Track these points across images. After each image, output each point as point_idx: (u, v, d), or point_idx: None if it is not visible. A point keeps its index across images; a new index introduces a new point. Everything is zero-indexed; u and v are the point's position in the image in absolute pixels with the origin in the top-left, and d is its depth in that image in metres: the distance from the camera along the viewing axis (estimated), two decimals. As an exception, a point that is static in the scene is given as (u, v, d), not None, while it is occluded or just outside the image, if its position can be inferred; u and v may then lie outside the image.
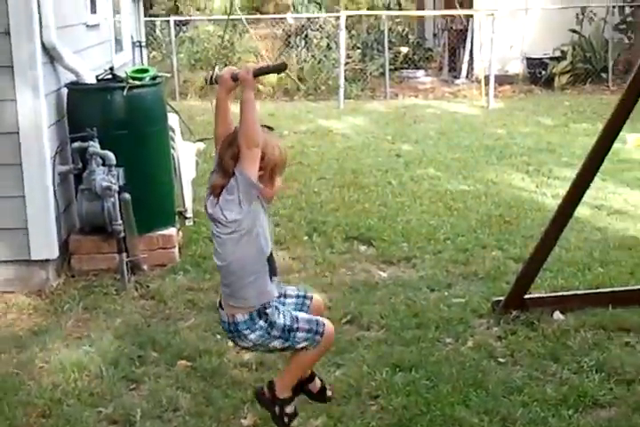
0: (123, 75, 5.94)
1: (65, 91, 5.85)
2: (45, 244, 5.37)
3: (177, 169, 6.47)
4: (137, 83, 5.78)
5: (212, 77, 3.31)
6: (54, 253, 5.41)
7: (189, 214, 6.56)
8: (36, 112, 5.29)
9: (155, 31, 15.37)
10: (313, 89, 14.30)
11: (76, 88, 5.84)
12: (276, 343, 3.33)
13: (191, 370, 4.21)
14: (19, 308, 5.09)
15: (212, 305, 5.04)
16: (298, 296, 3.50)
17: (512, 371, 4.19)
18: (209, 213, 3.22)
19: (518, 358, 4.33)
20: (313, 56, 14.69)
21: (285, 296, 3.45)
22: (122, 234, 5.47)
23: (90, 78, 5.94)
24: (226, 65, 14.53)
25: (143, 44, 10.16)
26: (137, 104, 5.77)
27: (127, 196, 5.52)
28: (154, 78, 6.01)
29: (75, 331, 4.74)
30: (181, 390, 4.02)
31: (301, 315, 3.38)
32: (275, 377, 3.52)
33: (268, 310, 3.26)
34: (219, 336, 4.63)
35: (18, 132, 5.28)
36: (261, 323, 3.26)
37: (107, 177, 5.42)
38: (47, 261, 5.40)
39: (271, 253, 3.30)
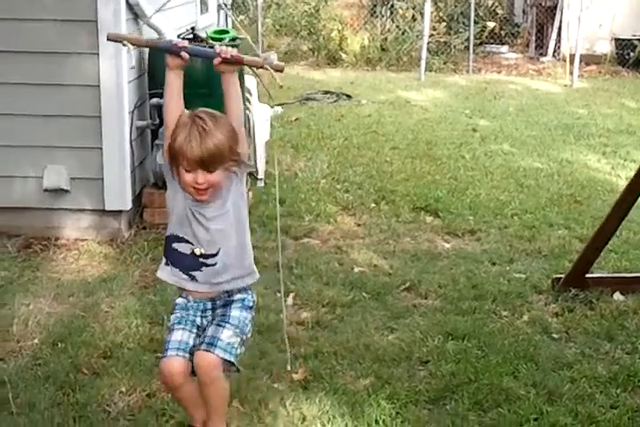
0: (203, 35, 6.05)
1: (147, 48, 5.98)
2: (119, 195, 5.54)
3: (251, 130, 6.56)
4: (216, 43, 5.88)
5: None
6: (127, 204, 5.58)
7: (261, 176, 6.66)
8: (117, 67, 5.43)
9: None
10: (395, 60, 14.23)
11: (155, 45, 5.95)
12: None
13: (249, 324, 4.33)
14: (90, 255, 5.28)
15: (276, 264, 5.17)
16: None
17: (564, 347, 4.21)
18: None
19: (572, 336, 4.34)
20: (397, 26, 14.59)
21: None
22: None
23: (172, 37, 6.06)
24: (310, 32, 14.59)
25: (228, 6, 10.25)
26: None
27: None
28: (233, 40, 6.10)
29: (141, 280, 4.91)
30: (238, 342, 4.14)
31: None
32: None
33: None
34: (278, 294, 4.74)
35: (99, 86, 5.43)
36: None
37: (177, 134, 5.54)
38: (120, 212, 5.57)
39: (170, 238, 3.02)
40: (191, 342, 2.95)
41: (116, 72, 5.42)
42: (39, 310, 4.42)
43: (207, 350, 2.90)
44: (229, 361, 2.93)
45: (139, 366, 3.85)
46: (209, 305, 3.02)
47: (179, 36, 6.11)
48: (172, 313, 3.05)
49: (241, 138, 2.98)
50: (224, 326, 2.97)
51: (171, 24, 6.17)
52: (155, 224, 5.75)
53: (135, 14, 5.69)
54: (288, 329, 4.28)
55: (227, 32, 6.18)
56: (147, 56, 5.96)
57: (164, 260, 3.07)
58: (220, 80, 5.98)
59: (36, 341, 4.07)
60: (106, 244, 5.46)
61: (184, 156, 2.85)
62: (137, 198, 5.77)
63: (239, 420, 3.47)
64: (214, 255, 2.96)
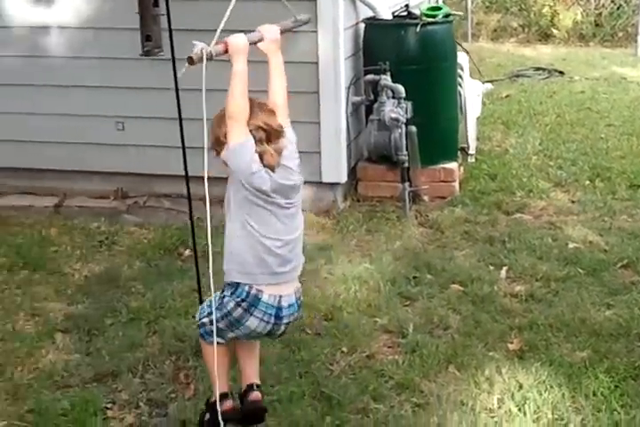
0: (417, 12, 6.13)
1: (362, 26, 6.13)
2: (336, 168, 5.73)
3: (463, 106, 6.58)
4: (430, 20, 5.96)
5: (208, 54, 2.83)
6: (343, 177, 5.77)
7: (472, 151, 6.68)
8: (334, 44, 5.60)
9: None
10: (609, 35, 13.69)
11: (374, 23, 6.09)
12: None
13: (462, 294, 4.41)
14: (308, 225, 5.47)
15: (488, 238, 5.21)
16: None
17: None
18: (288, 184, 2.95)
19: None
20: (612, 1, 14.02)
21: None
22: (406, 164, 5.73)
23: (386, 14, 6.18)
24: (521, 8, 14.30)
25: (439, -17, 10.25)
26: (429, 40, 5.95)
27: (413, 128, 5.75)
28: (446, 16, 6.14)
29: (357, 249, 5.08)
30: (452, 311, 4.23)
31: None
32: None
33: None
34: (492, 267, 4.78)
35: (317, 63, 5.62)
36: None
37: (396, 109, 5.67)
38: (336, 184, 5.77)
39: None
40: None
41: (334, 49, 5.59)
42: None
43: None
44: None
45: (358, 329, 4.02)
46: None
47: (393, 14, 6.23)
48: None
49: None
50: None
51: (384, 1, 6.28)
52: (368, 197, 5.92)
53: (351, -8, 5.85)
54: (503, 301, 4.33)
55: (440, 8, 6.22)
56: (362, 33, 6.11)
57: None
58: (434, 54, 6.08)
59: (261, 302, 4.32)
60: (322, 215, 5.67)
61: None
62: (351, 172, 5.95)
63: (456, 384, 3.56)
64: None
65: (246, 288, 2.97)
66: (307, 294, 4.34)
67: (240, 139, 2.86)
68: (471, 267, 4.77)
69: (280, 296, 3.00)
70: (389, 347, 3.91)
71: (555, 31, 13.71)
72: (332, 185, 5.77)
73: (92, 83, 5.85)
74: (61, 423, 3.36)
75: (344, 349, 3.86)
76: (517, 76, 10.53)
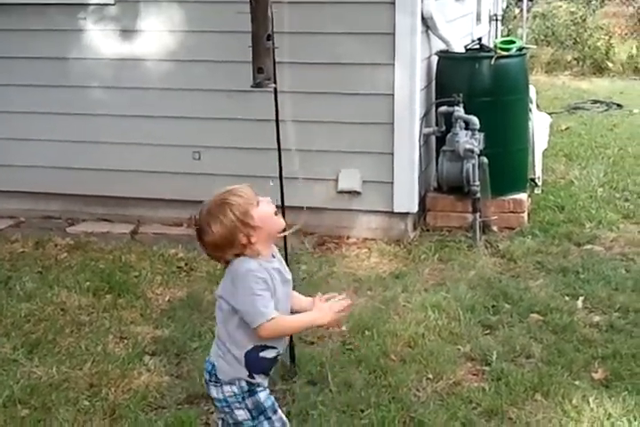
0: (489, 45, 6.23)
1: (435, 58, 6.25)
2: (407, 198, 5.82)
3: (531, 138, 6.65)
4: (504, 53, 6.06)
5: None
6: (414, 207, 5.85)
7: (539, 183, 6.73)
8: (410, 77, 5.72)
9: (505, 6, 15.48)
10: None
11: (446, 56, 6.21)
12: None
13: (542, 324, 4.45)
14: (380, 253, 5.59)
15: (561, 269, 5.25)
16: None
17: None
18: None
19: None
20: (667, 35, 14.08)
21: None
22: (477, 195, 5.80)
23: (458, 47, 6.30)
24: (575, 42, 14.36)
25: (499, 17, 10.38)
26: (503, 73, 6.05)
27: (485, 159, 5.84)
28: (520, 49, 6.24)
29: (431, 278, 5.15)
30: (533, 340, 4.27)
31: None
32: None
33: None
34: (567, 297, 4.82)
35: (393, 94, 5.74)
36: None
37: (470, 140, 5.76)
38: (407, 214, 5.86)
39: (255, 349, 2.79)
40: None
41: (410, 81, 5.71)
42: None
43: None
44: None
45: (442, 356, 4.07)
46: None
47: (465, 47, 6.34)
48: (255, 392, 2.81)
49: None
50: None
51: (457, 35, 6.41)
52: (437, 227, 6.00)
53: (427, 26, 5.98)
54: (583, 331, 4.36)
55: (513, 42, 6.32)
56: (434, 65, 6.22)
57: (244, 373, 2.78)
58: (507, 87, 6.15)
59: (343, 328, 4.40)
60: (393, 244, 5.74)
61: (251, 201, 2.73)
62: (421, 202, 6.04)
63: (544, 412, 3.59)
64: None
65: None
66: (387, 322, 4.46)
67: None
68: (548, 297, 4.81)
69: None
70: (474, 374, 3.96)
71: (609, 64, 13.76)
72: (404, 215, 5.85)
73: (174, 113, 6.02)
74: (159, 443, 3.45)
75: (429, 375, 3.91)
76: (575, 108, 10.60)
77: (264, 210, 2.74)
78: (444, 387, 3.82)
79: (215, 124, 5.99)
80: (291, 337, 3.94)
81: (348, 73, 5.77)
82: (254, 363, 2.78)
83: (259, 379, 2.81)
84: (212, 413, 3.66)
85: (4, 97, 6.33)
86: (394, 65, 5.68)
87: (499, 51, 6.03)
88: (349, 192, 5.88)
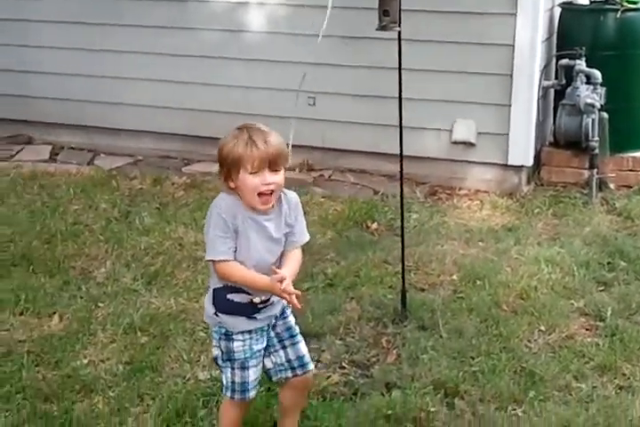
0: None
1: (558, 10, 6.08)
2: (522, 151, 5.74)
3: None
4: (631, 6, 5.86)
5: None
6: (529, 160, 5.77)
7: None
8: (532, 28, 5.58)
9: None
10: None
11: (570, 7, 6.05)
12: None
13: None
14: (492, 206, 5.54)
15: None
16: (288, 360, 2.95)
17: None
18: None
19: None
20: None
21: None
22: (596, 151, 5.67)
23: (583, 0, 6.13)
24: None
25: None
26: (629, 27, 5.86)
27: (605, 115, 5.69)
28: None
29: (544, 232, 5.09)
30: (650, 298, 4.20)
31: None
32: None
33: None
34: None
35: (513, 45, 5.62)
36: None
37: (591, 94, 5.62)
38: (521, 167, 5.77)
39: (222, 289, 2.81)
40: (260, 372, 2.93)
41: (532, 32, 5.58)
42: (453, 251, 4.76)
43: (305, 373, 2.96)
44: None
45: (555, 310, 4.05)
46: (268, 325, 2.92)
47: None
48: (230, 339, 2.83)
49: None
50: (299, 342, 2.95)
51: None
52: (551, 182, 5.90)
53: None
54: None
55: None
56: (557, 17, 6.06)
57: (212, 309, 2.85)
58: (633, 41, 5.97)
59: (454, 277, 4.41)
60: (506, 196, 5.68)
61: (249, 156, 2.64)
62: (536, 155, 5.94)
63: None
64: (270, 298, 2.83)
65: None
66: (499, 273, 4.45)
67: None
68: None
69: None
70: (587, 329, 3.93)
71: None
72: (518, 168, 5.78)
73: (291, 58, 6.04)
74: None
75: (542, 327, 3.90)
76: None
77: (248, 179, 2.67)
78: (556, 340, 3.81)
79: (331, 71, 5.98)
80: (403, 282, 3.99)
81: (468, 22, 5.67)
82: (220, 302, 2.82)
83: (225, 318, 2.81)
84: (324, 351, 3.75)
85: (114, 38, 6.43)
86: (516, 15, 5.54)
87: (625, 3, 5.83)
88: (464, 143, 5.82)
